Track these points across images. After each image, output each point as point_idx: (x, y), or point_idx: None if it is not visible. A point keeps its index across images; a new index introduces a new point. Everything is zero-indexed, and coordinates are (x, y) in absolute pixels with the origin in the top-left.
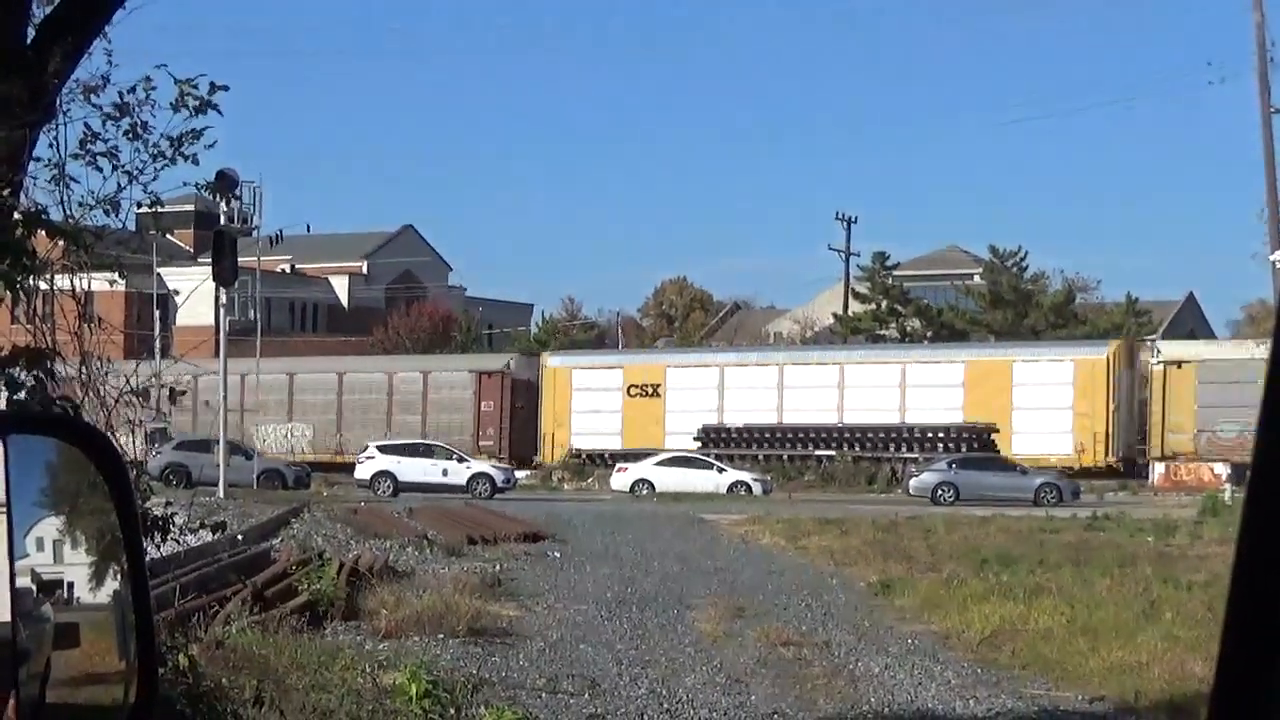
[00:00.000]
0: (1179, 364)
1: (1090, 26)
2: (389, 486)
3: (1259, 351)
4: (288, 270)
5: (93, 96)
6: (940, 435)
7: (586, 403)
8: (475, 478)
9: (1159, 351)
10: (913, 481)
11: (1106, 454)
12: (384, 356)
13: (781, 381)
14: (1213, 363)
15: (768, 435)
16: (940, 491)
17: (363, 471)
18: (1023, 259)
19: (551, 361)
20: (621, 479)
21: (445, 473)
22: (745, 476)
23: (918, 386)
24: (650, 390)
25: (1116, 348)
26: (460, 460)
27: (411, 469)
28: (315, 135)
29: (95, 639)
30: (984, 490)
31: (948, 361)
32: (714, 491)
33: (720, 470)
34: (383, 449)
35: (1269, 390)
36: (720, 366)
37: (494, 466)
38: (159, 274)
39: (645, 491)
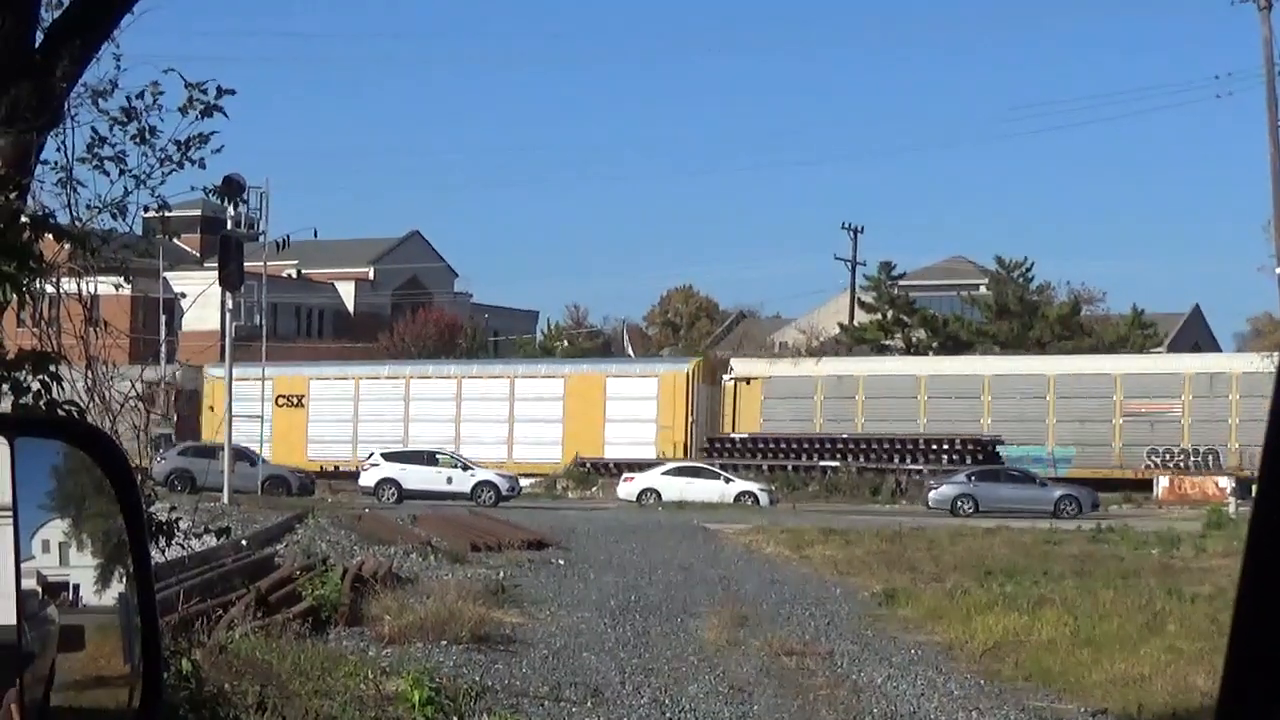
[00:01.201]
0: (748, 380)
1: (1098, 39)
2: (393, 494)
3: (816, 369)
4: (294, 276)
5: (100, 101)
6: (945, 447)
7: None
8: (480, 485)
9: (732, 369)
10: (932, 494)
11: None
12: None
13: (408, 394)
14: (777, 379)
15: (771, 446)
16: (960, 504)
17: (367, 479)
18: (1029, 270)
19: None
20: (628, 488)
21: (450, 480)
22: (752, 487)
23: (524, 399)
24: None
25: (695, 365)
26: (465, 468)
27: (416, 476)
28: (323, 141)
29: (100, 642)
30: (1003, 502)
31: (546, 376)
32: (720, 501)
33: (727, 480)
34: (387, 456)
35: (1277, 404)
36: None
37: (499, 475)
38: (165, 278)
39: (652, 500)
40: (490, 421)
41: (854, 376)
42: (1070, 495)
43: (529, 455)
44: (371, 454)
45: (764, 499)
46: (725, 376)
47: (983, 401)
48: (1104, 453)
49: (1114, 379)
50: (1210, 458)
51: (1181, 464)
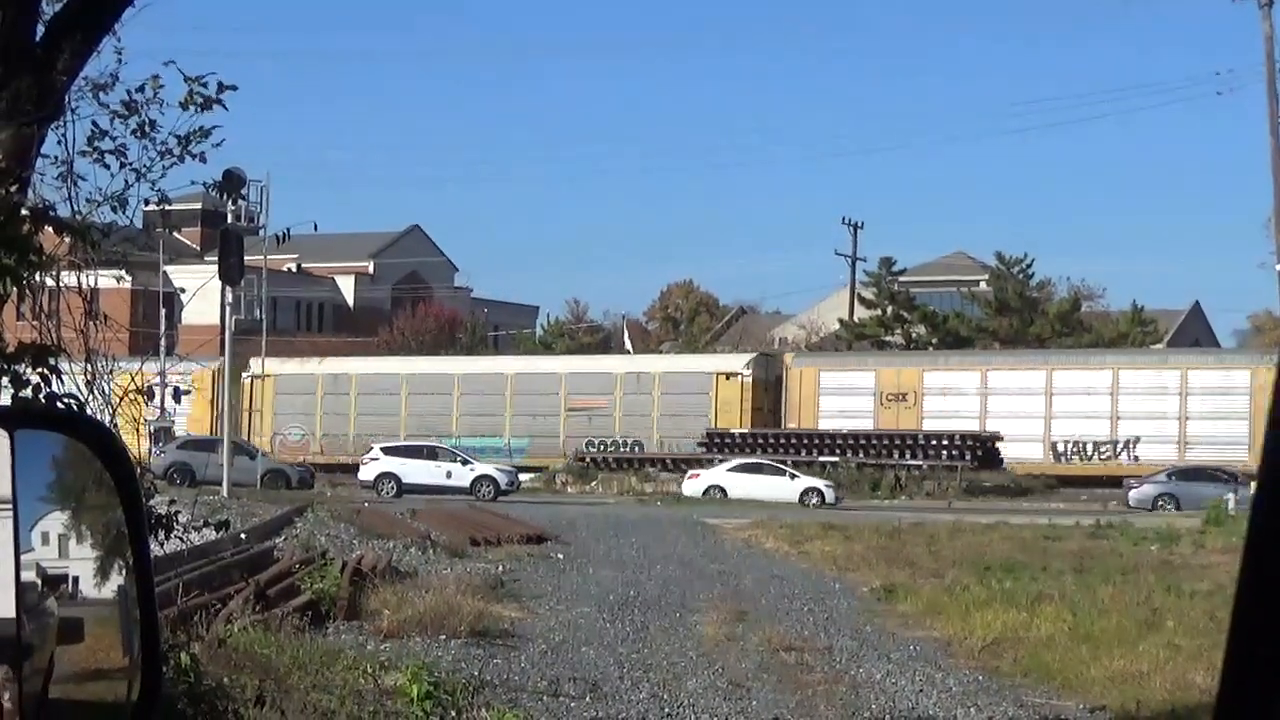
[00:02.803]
0: (264, 378)
1: (1099, 35)
2: (392, 488)
3: (320, 368)
4: (294, 269)
5: (101, 94)
6: (945, 443)
7: None
8: (479, 480)
9: (250, 367)
10: (1132, 493)
11: None
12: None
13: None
14: (287, 376)
15: (771, 440)
16: (1160, 502)
17: (366, 473)
18: (1029, 266)
19: None
20: (694, 485)
21: (449, 475)
22: (818, 483)
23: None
24: None
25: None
26: (464, 463)
27: (415, 470)
28: (323, 135)
29: (99, 635)
30: (1205, 500)
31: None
32: (787, 500)
33: (792, 477)
34: (387, 450)
35: (1276, 402)
36: None
37: (498, 469)
38: (165, 272)
39: (719, 497)
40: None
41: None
42: None
43: None
44: (371, 448)
45: (829, 495)
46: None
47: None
48: (553, 443)
49: (560, 377)
50: (636, 447)
51: (612, 454)
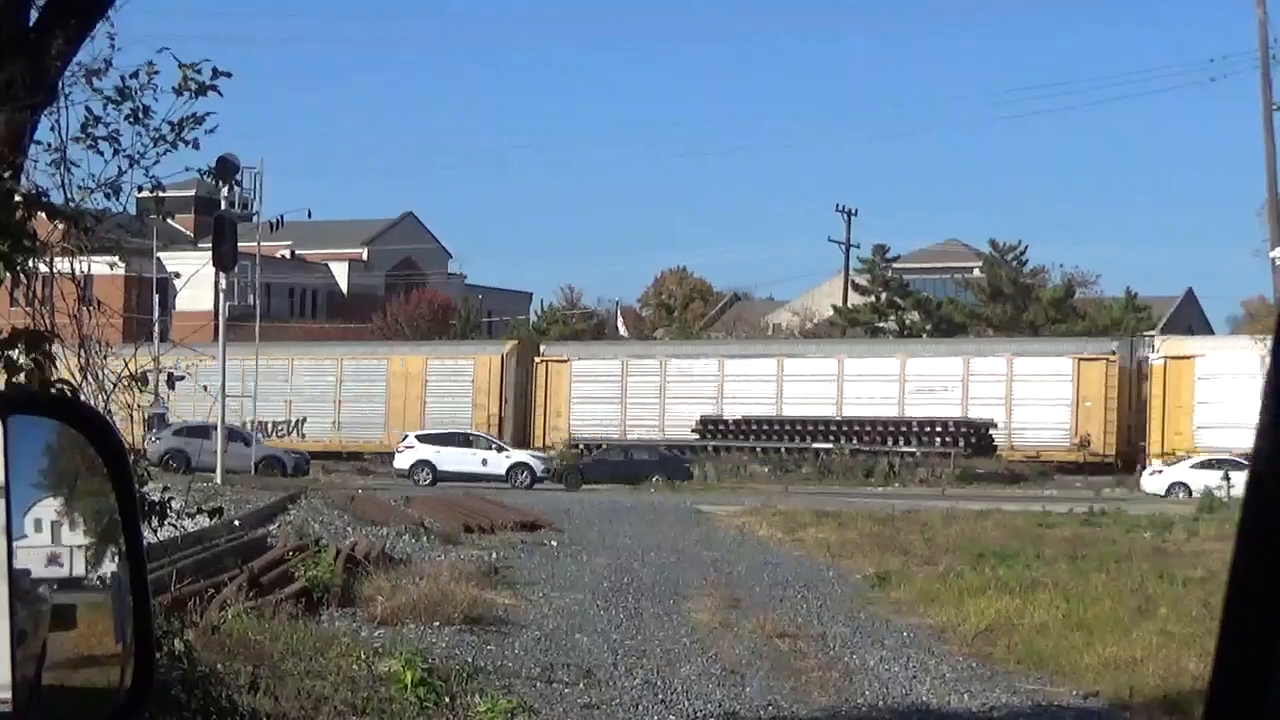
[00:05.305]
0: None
1: (1093, 22)
2: (428, 476)
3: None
4: (288, 256)
5: (95, 80)
6: (939, 430)
7: None
8: (515, 467)
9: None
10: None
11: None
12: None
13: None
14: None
15: (765, 427)
16: (1173, 491)
17: (401, 461)
18: (1023, 253)
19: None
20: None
21: (485, 462)
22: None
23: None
24: None
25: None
26: (500, 450)
27: (451, 458)
28: (317, 121)
29: (92, 621)
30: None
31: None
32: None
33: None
34: (422, 438)
35: (1269, 388)
36: None
37: (533, 456)
38: (159, 258)
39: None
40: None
41: None
42: None
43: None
44: (406, 436)
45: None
46: None
47: None
48: None
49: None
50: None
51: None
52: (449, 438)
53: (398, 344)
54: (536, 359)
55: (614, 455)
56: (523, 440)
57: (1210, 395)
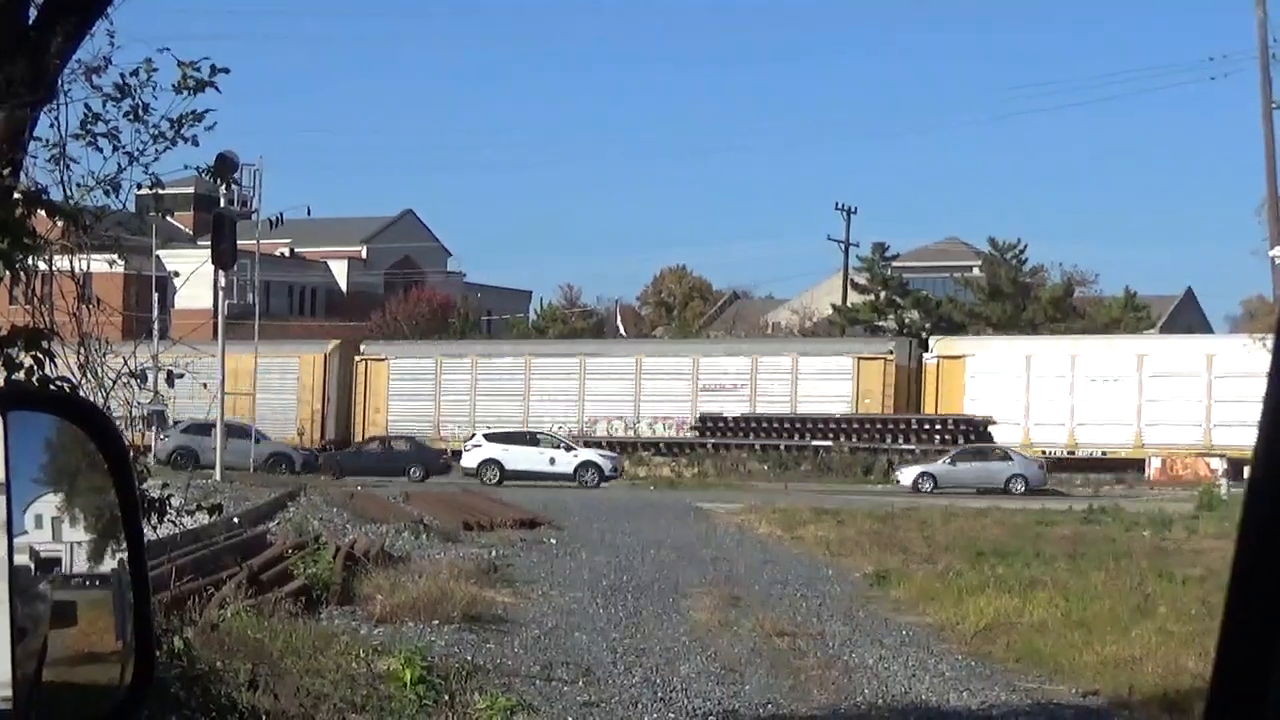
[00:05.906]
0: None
1: (1093, 21)
2: (495, 475)
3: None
4: (287, 254)
5: (94, 77)
6: (938, 427)
7: None
8: (582, 466)
9: None
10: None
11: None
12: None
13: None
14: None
15: (765, 425)
16: None
17: (469, 460)
18: (1022, 252)
19: None
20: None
21: (552, 461)
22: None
23: None
24: None
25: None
26: (568, 449)
27: (518, 457)
28: (317, 119)
29: (93, 618)
30: None
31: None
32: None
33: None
34: (489, 437)
35: (1270, 388)
36: None
37: (601, 455)
38: (158, 256)
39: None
40: None
41: None
42: None
43: None
44: (474, 434)
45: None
46: None
47: None
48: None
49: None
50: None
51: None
52: (516, 436)
53: (234, 343)
54: (356, 358)
55: (373, 447)
56: (345, 435)
57: (978, 391)
